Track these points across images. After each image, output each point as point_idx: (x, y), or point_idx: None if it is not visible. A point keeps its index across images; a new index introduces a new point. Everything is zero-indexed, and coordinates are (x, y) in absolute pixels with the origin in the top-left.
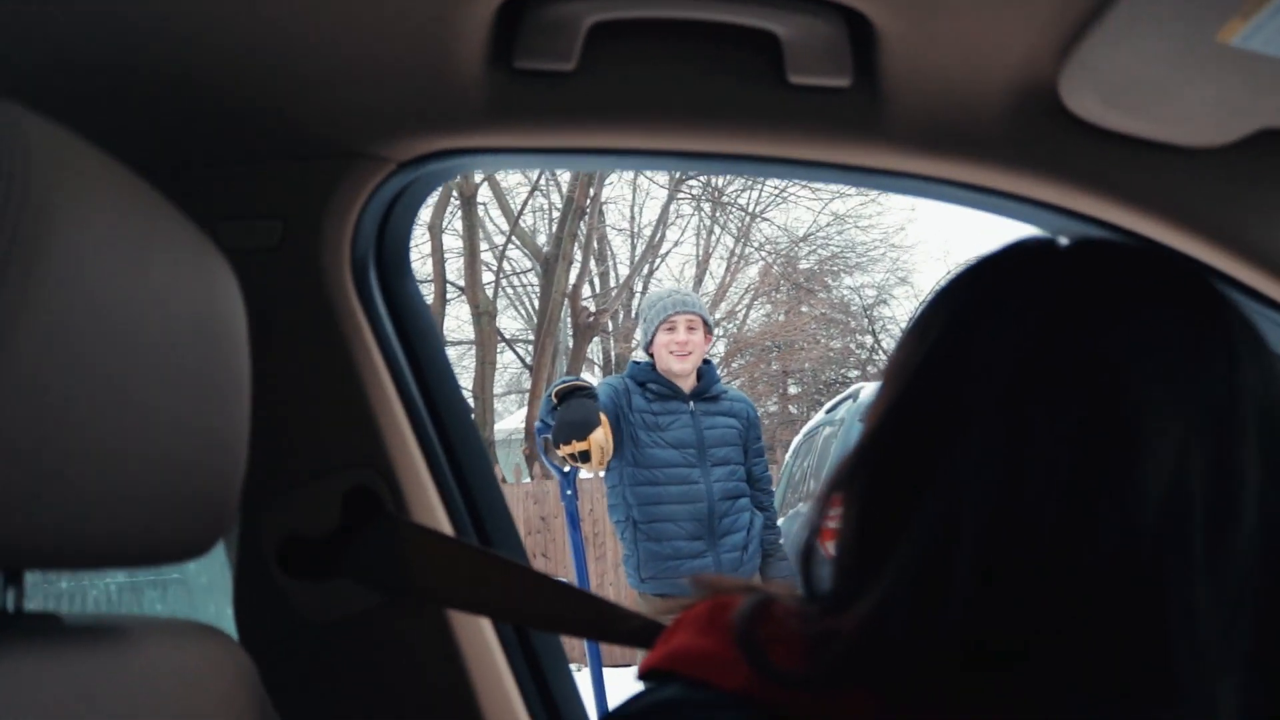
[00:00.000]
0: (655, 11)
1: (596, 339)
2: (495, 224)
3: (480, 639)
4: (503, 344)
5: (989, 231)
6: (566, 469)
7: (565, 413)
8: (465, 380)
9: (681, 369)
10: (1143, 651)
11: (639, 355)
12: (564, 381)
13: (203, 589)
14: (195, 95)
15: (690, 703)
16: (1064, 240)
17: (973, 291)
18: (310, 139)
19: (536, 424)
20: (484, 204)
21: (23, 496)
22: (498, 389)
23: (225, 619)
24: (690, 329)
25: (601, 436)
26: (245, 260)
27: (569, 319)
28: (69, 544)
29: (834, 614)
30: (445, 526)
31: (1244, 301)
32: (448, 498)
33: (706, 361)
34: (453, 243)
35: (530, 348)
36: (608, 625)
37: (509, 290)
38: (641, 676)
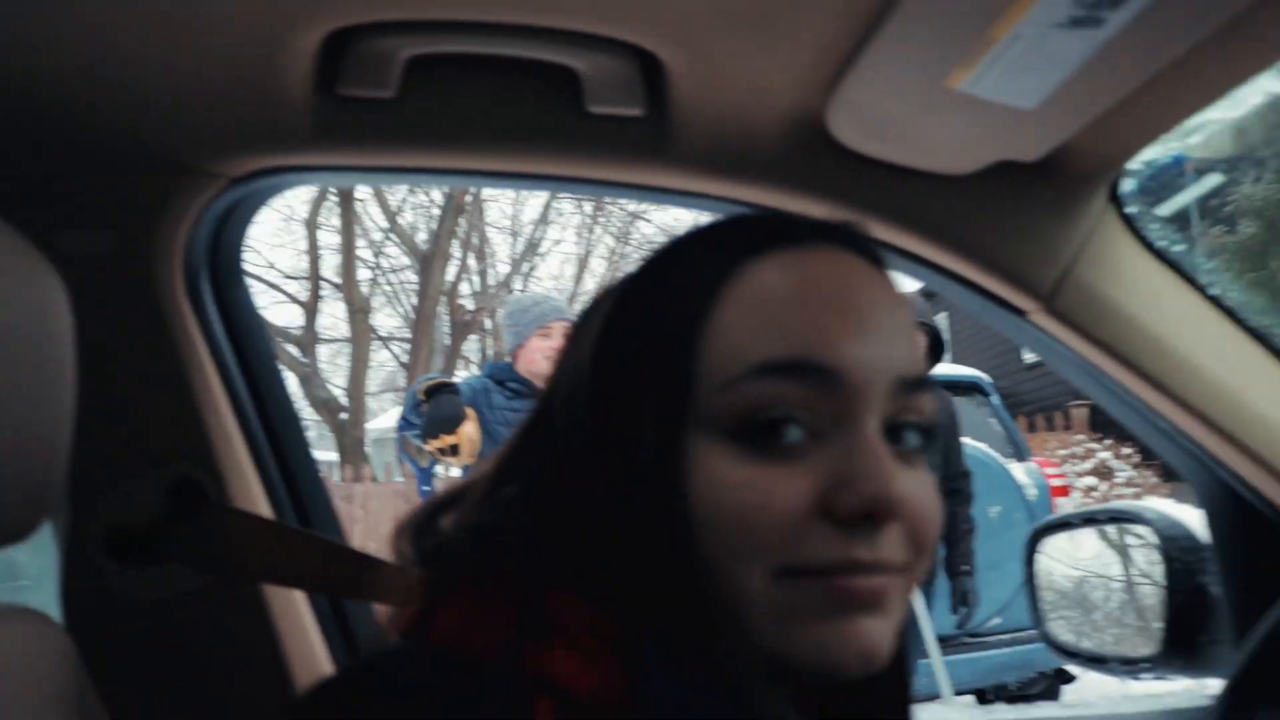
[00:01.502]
0: (467, 48)
1: (474, 337)
2: (373, 220)
3: (294, 612)
4: (378, 341)
5: None
6: (426, 464)
7: (434, 408)
8: (339, 378)
9: None
10: None
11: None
12: (429, 379)
13: (33, 579)
14: (32, 106)
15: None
16: None
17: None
18: (145, 153)
19: (398, 421)
20: (362, 200)
21: None
22: (372, 387)
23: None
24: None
25: (471, 430)
26: (80, 266)
27: (447, 317)
28: None
29: None
30: (265, 510)
31: (985, 306)
32: (271, 487)
33: None
34: (329, 239)
35: (406, 346)
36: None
37: (386, 287)
38: None
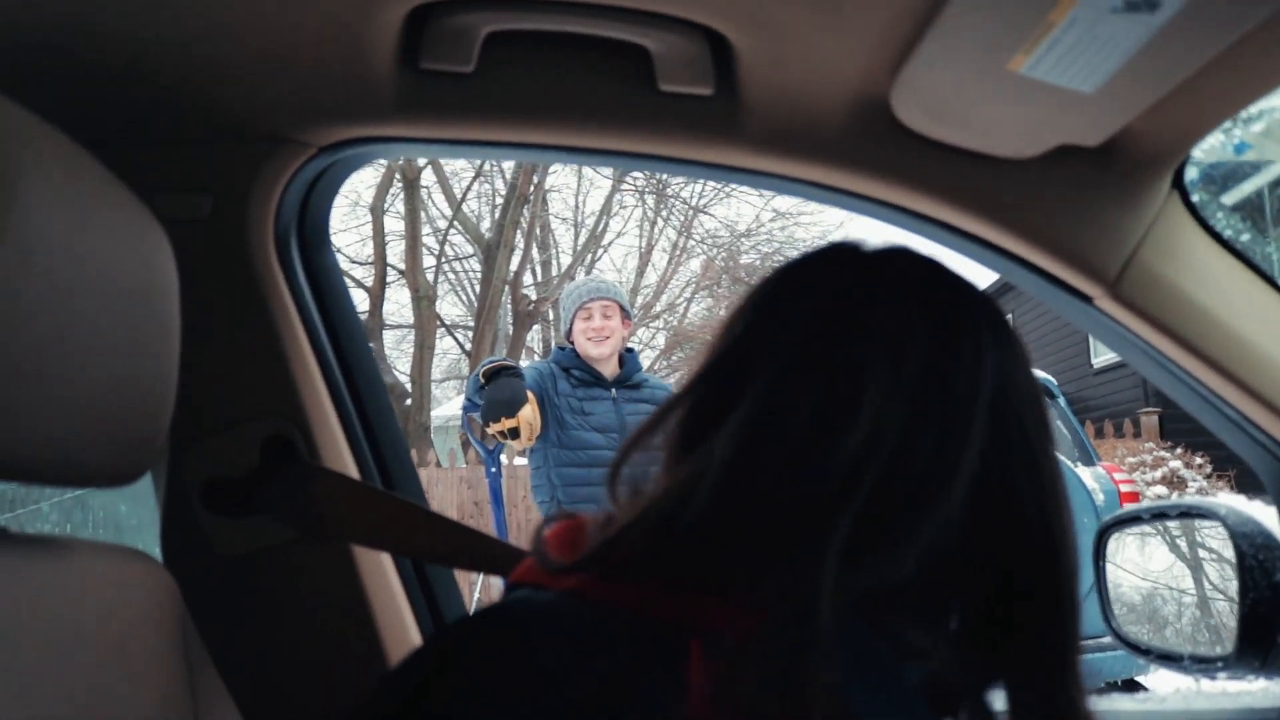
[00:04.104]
0: (542, 24)
1: (536, 327)
2: (438, 208)
3: (380, 571)
4: (442, 329)
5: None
6: (492, 447)
7: (493, 391)
8: (404, 364)
9: (599, 354)
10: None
11: (565, 342)
12: (491, 362)
13: (132, 530)
14: (138, 76)
15: (523, 599)
16: (872, 246)
17: (772, 285)
18: (239, 122)
19: (463, 403)
20: (427, 187)
21: None
22: (436, 374)
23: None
24: (606, 316)
25: (530, 413)
26: (180, 229)
27: (509, 306)
28: (16, 460)
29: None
30: (352, 471)
31: (1051, 291)
32: (355, 445)
33: (630, 350)
34: (395, 225)
35: (470, 334)
36: (489, 558)
37: (450, 275)
38: (508, 589)
